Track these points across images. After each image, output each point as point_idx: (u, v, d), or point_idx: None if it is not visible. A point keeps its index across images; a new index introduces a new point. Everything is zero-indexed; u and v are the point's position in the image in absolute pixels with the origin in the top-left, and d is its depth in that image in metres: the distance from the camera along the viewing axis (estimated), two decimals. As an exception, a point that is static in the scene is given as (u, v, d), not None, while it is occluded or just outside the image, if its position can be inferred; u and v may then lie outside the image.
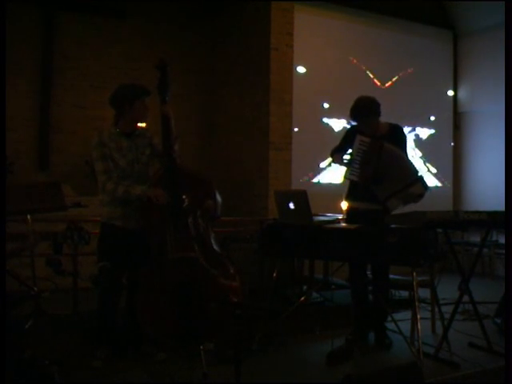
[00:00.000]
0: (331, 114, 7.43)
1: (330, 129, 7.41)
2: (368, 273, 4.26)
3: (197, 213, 3.55)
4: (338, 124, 7.45)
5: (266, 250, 4.34)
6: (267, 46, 7.01)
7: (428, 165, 8.30)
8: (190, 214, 3.53)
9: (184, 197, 3.52)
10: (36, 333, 3.92)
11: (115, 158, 3.58)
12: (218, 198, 3.63)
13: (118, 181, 3.54)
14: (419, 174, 3.95)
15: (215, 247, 3.58)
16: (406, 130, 7.96)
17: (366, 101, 4.03)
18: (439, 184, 8.42)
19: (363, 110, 3.99)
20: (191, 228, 3.51)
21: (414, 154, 8.03)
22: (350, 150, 4.06)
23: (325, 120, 7.44)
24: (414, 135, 8.17)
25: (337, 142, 4.30)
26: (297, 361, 3.77)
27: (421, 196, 3.88)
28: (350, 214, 4.20)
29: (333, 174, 7.22)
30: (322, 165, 7.31)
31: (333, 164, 4.39)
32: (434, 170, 8.37)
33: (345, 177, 4.10)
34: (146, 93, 3.65)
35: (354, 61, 7.64)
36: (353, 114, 4.03)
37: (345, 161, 4.04)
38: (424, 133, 8.30)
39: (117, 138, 3.62)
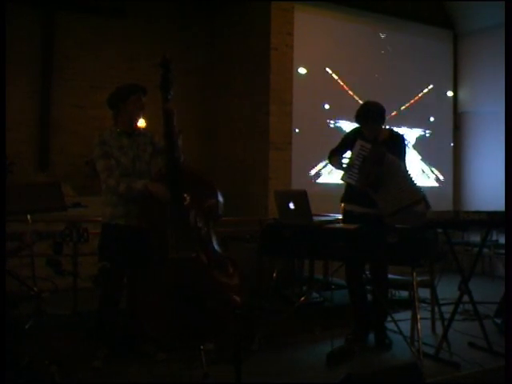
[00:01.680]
0: (331, 114, 7.42)
1: (331, 129, 7.40)
2: (367, 272, 4.26)
3: (198, 212, 3.54)
4: (349, 126, 7.42)
5: (266, 250, 4.34)
6: (267, 46, 7.01)
7: (427, 165, 8.30)
8: (191, 212, 3.52)
9: (185, 195, 3.52)
10: (36, 333, 3.92)
11: (117, 156, 3.59)
12: (220, 197, 3.62)
13: (119, 177, 3.54)
14: (422, 192, 3.90)
15: (216, 247, 3.56)
16: (405, 130, 7.97)
17: (372, 106, 4.07)
18: (439, 184, 8.42)
19: (368, 115, 4.02)
20: (192, 227, 3.50)
21: (415, 160, 8.04)
22: (349, 154, 4.06)
23: (334, 123, 7.42)
24: (414, 136, 8.17)
25: (337, 143, 4.31)
26: (297, 361, 3.77)
27: (423, 215, 3.83)
28: (346, 216, 4.20)
29: (333, 174, 7.22)
30: (323, 165, 7.30)
31: (330, 166, 4.38)
32: (433, 170, 8.36)
33: (342, 179, 4.10)
34: (140, 90, 3.67)
35: (354, 61, 7.64)
36: (358, 117, 4.07)
37: (343, 165, 4.04)
38: (421, 133, 8.28)
39: (118, 136, 3.64)
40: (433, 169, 8.35)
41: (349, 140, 4.14)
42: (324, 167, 7.30)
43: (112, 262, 3.57)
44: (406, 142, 4.20)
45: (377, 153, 3.85)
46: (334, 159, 4.17)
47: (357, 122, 4.11)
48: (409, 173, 3.93)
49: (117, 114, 3.68)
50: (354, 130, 4.26)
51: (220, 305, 3.27)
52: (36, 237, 3.52)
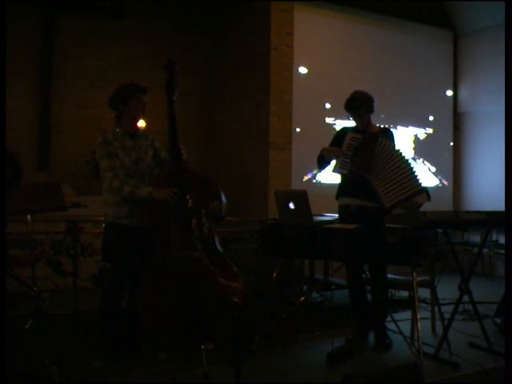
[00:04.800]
0: (331, 114, 7.42)
1: (331, 129, 7.39)
2: (367, 272, 4.25)
3: (201, 213, 3.55)
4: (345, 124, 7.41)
5: (266, 250, 4.34)
6: (267, 46, 7.01)
7: (428, 165, 8.30)
8: (194, 213, 3.52)
9: (189, 196, 3.52)
10: (36, 333, 3.92)
11: (120, 157, 3.59)
12: (224, 198, 3.63)
13: (125, 179, 3.53)
14: (423, 184, 3.89)
15: (219, 247, 3.57)
16: (405, 130, 7.98)
17: (360, 94, 4.14)
18: (439, 184, 8.42)
19: (356, 102, 4.09)
20: (195, 227, 3.50)
21: (414, 158, 8.03)
22: None
23: (331, 121, 7.42)
24: (414, 135, 8.16)
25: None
26: (297, 361, 3.77)
27: (422, 215, 3.83)
28: (343, 212, 4.17)
29: (333, 174, 7.20)
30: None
31: (319, 168, 4.40)
32: (433, 170, 8.36)
33: (333, 171, 4.10)
34: (140, 90, 3.67)
35: (354, 61, 7.64)
36: (346, 105, 4.15)
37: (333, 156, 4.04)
38: (421, 133, 8.28)
39: (120, 137, 3.64)
40: (433, 169, 8.35)
41: (338, 138, 4.15)
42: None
43: (115, 261, 3.57)
44: (394, 139, 4.20)
45: (369, 138, 3.87)
46: (325, 149, 4.15)
47: (346, 109, 4.17)
48: (406, 158, 3.93)
49: (119, 114, 3.68)
50: (343, 129, 4.27)
51: (221, 305, 3.27)
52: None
